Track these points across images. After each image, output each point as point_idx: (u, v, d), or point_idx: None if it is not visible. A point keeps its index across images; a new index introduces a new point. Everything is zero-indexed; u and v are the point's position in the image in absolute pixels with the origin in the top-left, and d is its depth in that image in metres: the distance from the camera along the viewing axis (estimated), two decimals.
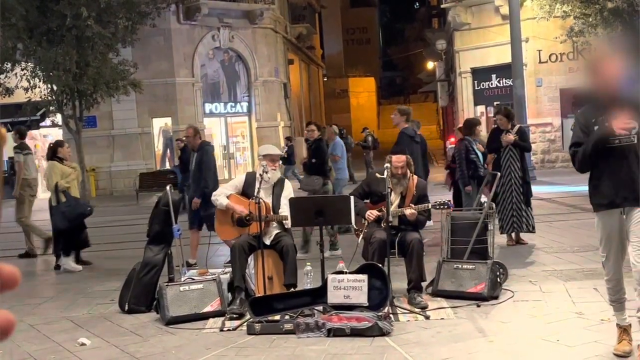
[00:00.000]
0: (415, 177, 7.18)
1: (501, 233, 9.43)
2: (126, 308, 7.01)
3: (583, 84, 5.05)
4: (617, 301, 4.92)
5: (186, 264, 8.98)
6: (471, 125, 10.38)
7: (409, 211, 6.75)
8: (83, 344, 5.96)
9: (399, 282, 6.89)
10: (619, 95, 4.51)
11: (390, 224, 6.66)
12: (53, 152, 9.82)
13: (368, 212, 6.92)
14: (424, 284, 7.05)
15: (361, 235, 6.92)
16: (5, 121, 23.70)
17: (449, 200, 6.87)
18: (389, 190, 6.60)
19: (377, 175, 7.04)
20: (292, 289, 6.67)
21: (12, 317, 0.71)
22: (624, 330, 4.95)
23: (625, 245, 4.78)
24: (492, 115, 21.45)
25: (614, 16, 18.23)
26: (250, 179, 7.22)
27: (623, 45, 4.91)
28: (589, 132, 4.68)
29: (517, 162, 9.40)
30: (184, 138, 10.75)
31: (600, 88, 4.67)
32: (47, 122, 23.47)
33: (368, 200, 7.17)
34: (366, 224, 6.92)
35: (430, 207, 6.91)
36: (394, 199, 6.95)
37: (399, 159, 7.04)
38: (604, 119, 4.63)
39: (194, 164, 9.51)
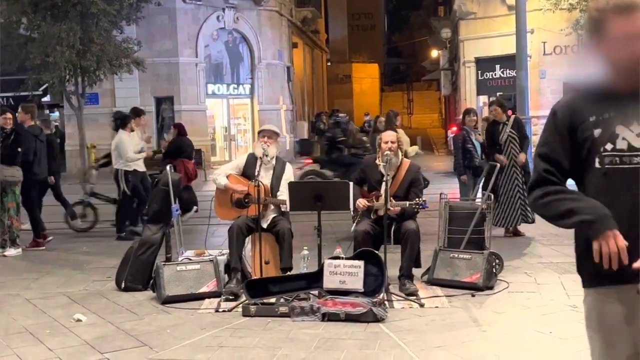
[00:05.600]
0: (406, 160, 7.10)
1: (502, 226, 9.46)
2: (123, 286, 7.05)
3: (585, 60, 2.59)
4: None
5: None
6: (463, 114, 10.53)
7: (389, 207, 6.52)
8: (79, 320, 6.00)
9: (394, 269, 6.91)
10: None
11: (380, 216, 6.63)
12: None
13: (357, 202, 6.74)
14: (419, 271, 7.08)
15: (354, 225, 6.89)
16: (7, 95, 23.71)
17: (424, 201, 6.72)
18: (388, 177, 6.57)
19: (374, 161, 6.98)
20: (288, 273, 6.71)
21: None
22: None
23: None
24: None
25: None
26: (251, 160, 7.23)
27: None
28: (580, 140, 2.50)
29: (519, 153, 9.44)
30: None
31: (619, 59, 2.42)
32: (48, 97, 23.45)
33: (366, 187, 7.13)
34: (359, 212, 6.84)
35: (408, 205, 6.65)
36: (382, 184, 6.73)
37: (388, 135, 6.96)
38: (613, 116, 2.46)
39: None
